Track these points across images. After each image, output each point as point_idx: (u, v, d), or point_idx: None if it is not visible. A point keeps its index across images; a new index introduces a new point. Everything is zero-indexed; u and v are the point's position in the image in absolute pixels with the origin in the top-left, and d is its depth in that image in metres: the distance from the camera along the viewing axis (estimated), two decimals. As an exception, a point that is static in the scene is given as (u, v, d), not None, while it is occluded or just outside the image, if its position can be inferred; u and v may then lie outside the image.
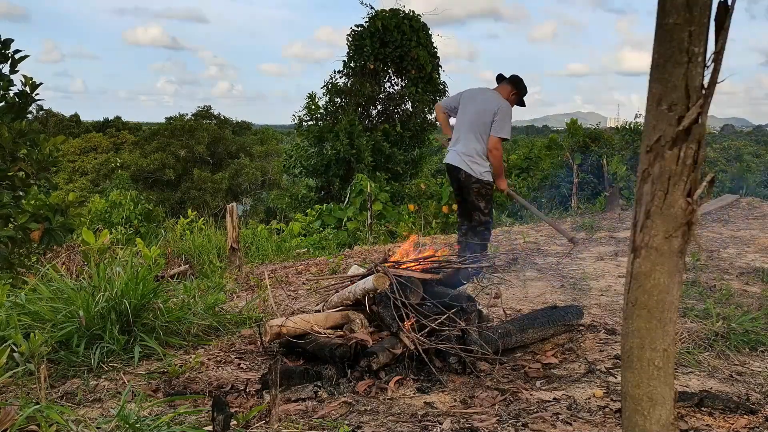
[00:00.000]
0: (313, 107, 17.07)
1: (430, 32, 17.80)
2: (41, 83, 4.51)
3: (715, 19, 1.25)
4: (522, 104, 5.12)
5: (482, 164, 4.87)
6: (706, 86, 1.26)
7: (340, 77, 17.64)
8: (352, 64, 17.45)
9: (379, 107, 18.16)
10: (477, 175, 4.83)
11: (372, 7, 17.54)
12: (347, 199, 12.43)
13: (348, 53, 17.49)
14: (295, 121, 17.33)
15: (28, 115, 4.49)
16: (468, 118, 4.92)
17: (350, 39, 17.39)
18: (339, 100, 17.43)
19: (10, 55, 4.32)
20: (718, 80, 1.26)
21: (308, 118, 17.14)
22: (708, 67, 1.26)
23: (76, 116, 48.95)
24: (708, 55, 1.25)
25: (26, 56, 4.40)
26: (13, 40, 4.36)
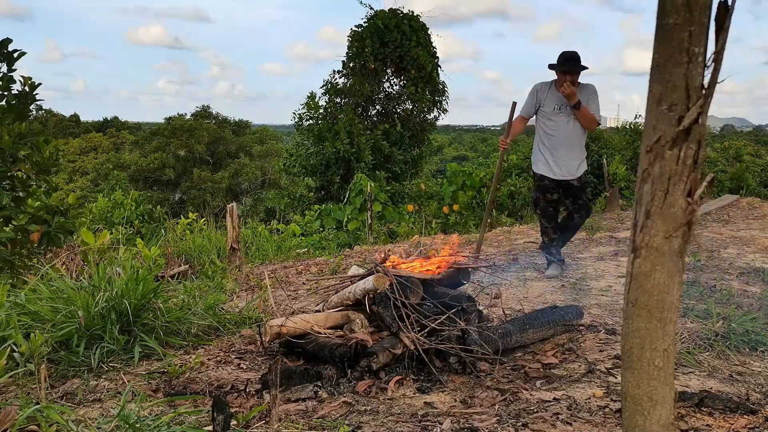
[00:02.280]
0: (313, 106, 17.06)
1: (429, 32, 17.82)
2: (40, 83, 4.49)
3: (715, 19, 1.25)
4: (560, 66, 5.01)
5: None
6: (706, 86, 1.27)
7: (340, 77, 17.65)
8: (351, 65, 17.46)
9: (378, 107, 18.17)
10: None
11: (371, 8, 17.56)
12: (346, 198, 12.42)
13: (347, 53, 17.50)
14: (295, 120, 17.31)
15: (28, 115, 4.47)
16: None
17: (350, 39, 17.39)
18: (338, 100, 17.43)
19: (6, 54, 4.29)
20: (719, 80, 1.26)
21: (308, 117, 17.12)
22: (708, 67, 1.26)
23: (75, 116, 48.89)
24: (708, 55, 1.26)
25: (23, 53, 4.37)
26: (11, 41, 4.33)
